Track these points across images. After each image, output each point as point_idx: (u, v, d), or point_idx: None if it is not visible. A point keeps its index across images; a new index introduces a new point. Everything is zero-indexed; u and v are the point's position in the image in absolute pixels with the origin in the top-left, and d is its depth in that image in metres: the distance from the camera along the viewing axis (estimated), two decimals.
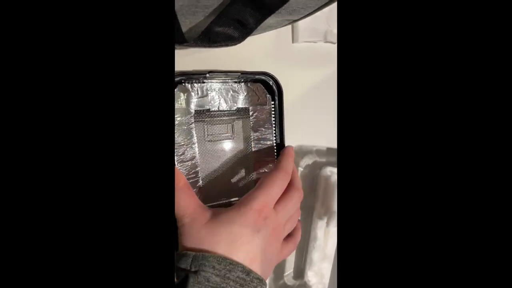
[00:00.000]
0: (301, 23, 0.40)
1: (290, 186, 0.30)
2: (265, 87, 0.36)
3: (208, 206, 0.28)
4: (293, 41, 0.42)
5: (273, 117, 0.37)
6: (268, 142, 0.36)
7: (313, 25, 0.41)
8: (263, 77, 0.35)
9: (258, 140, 0.36)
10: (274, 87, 0.36)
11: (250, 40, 0.35)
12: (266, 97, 0.36)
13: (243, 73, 0.34)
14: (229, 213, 0.26)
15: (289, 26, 0.41)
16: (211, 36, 0.28)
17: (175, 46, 0.27)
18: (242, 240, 0.25)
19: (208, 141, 0.34)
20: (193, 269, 0.23)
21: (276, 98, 0.36)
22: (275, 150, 0.37)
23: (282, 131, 0.37)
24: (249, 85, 0.35)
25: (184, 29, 0.28)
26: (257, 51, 0.40)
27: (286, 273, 0.45)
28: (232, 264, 0.23)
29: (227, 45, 0.29)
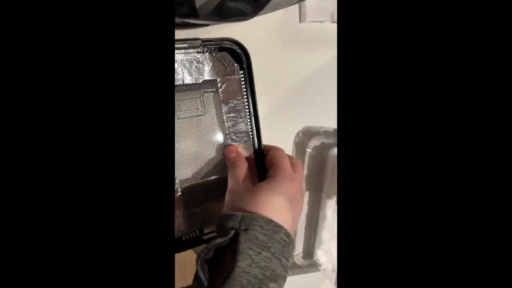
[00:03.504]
0: (309, 3, 0.40)
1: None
2: (232, 55, 0.33)
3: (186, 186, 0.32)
4: (300, 21, 0.42)
5: (244, 87, 0.34)
6: (241, 114, 0.34)
7: (320, 5, 0.41)
8: (227, 45, 0.32)
9: (230, 113, 0.34)
10: (242, 55, 0.33)
11: (257, 20, 0.35)
12: (234, 66, 0.33)
13: (205, 40, 0.31)
14: (270, 183, 0.29)
15: (296, 6, 0.41)
16: (224, 11, 0.28)
17: (187, 20, 0.27)
18: (281, 206, 0.28)
19: (177, 119, 0.32)
20: (242, 228, 0.25)
21: (245, 66, 0.33)
22: (249, 122, 0.35)
23: (255, 102, 0.35)
24: (214, 54, 0.32)
25: (197, 5, 0.27)
26: (265, 31, 0.40)
27: (295, 253, 0.45)
28: (278, 226, 0.26)
29: (239, 20, 0.29)
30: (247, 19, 0.30)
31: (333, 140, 0.45)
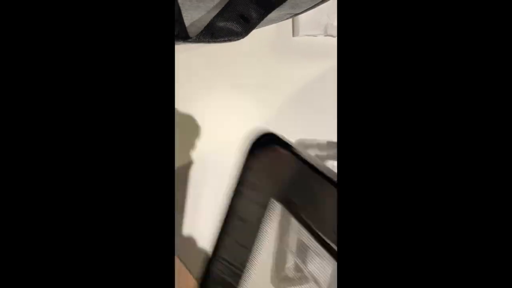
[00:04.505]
0: (302, 17, 0.40)
1: None
2: None
3: None
4: (293, 35, 0.42)
5: None
6: None
7: (314, 18, 0.41)
8: None
9: None
10: None
11: (250, 34, 0.35)
12: None
13: None
14: None
15: (290, 20, 0.41)
16: (214, 31, 0.28)
17: (178, 42, 0.27)
18: None
19: None
20: None
21: None
22: None
23: None
24: None
25: (186, 23, 0.27)
26: (257, 45, 0.40)
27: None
28: None
29: (230, 41, 0.29)
30: (238, 39, 0.30)
31: (327, 152, 0.45)
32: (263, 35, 0.40)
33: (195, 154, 0.39)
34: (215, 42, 0.29)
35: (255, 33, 0.37)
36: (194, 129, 0.39)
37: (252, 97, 0.40)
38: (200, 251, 0.38)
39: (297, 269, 0.46)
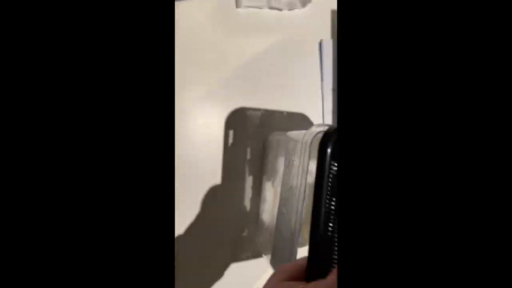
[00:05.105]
0: None
1: None
2: None
3: None
4: (236, 6, 0.42)
5: None
6: None
7: None
8: None
9: None
10: None
11: (191, 3, 0.35)
12: None
13: None
14: None
15: None
16: None
17: None
18: None
19: None
20: None
21: None
22: None
23: None
24: None
25: None
26: (199, 16, 0.40)
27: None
28: None
29: None
30: None
31: (272, 124, 0.46)
32: (204, 6, 0.40)
33: None
34: None
35: (199, 2, 0.37)
36: None
37: (195, 66, 0.40)
38: None
39: None
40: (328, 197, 0.26)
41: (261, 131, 0.45)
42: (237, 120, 0.44)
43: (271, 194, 0.44)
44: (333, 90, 0.51)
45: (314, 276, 0.26)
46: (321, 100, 0.50)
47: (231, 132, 0.44)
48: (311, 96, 0.49)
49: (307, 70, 0.49)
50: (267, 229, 0.44)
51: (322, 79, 0.50)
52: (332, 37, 0.50)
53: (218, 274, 0.45)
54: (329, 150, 0.26)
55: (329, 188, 0.26)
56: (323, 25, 0.49)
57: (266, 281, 0.27)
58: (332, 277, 0.24)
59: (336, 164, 0.26)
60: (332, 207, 0.26)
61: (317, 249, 0.27)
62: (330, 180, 0.26)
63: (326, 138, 0.27)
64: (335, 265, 0.26)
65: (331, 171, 0.26)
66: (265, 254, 0.43)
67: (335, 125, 0.28)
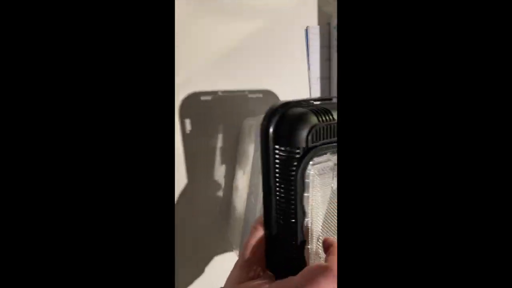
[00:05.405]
0: None
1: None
2: None
3: None
4: None
5: None
6: None
7: None
8: None
9: None
10: None
11: None
12: None
13: None
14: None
15: None
16: None
17: None
18: None
19: None
20: None
21: None
22: None
23: None
24: None
25: None
26: (183, 0, 0.37)
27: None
28: None
29: None
30: None
31: (248, 108, 0.43)
32: None
33: None
34: None
35: None
36: None
37: (180, 50, 0.37)
38: None
39: None
40: (277, 184, 0.23)
41: (238, 116, 0.42)
42: (217, 106, 0.41)
43: (243, 183, 0.41)
44: (321, 78, 0.48)
45: (273, 263, 0.26)
46: (308, 89, 0.47)
47: (207, 119, 0.41)
48: (297, 83, 0.47)
49: (294, 57, 0.46)
50: (238, 219, 0.41)
51: (308, 68, 0.47)
52: (319, 23, 0.47)
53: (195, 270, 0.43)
54: (271, 131, 0.23)
55: (277, 175, 0.23)
56: (310, 12, 0.47)
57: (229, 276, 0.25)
58: (299, 278, 0.22)
59: (283, 149, 0.22)
60: (282, 195, 0.23)
61: (271, 237, 0.25)
62: (277, 166, 0.23)
63: (267, 119, 0.23)
64: (290, 253, 0.24)
65: (276, 156, 0.22)
66: (235, 249, 0.41)
67: (282, 100, 0.24)
